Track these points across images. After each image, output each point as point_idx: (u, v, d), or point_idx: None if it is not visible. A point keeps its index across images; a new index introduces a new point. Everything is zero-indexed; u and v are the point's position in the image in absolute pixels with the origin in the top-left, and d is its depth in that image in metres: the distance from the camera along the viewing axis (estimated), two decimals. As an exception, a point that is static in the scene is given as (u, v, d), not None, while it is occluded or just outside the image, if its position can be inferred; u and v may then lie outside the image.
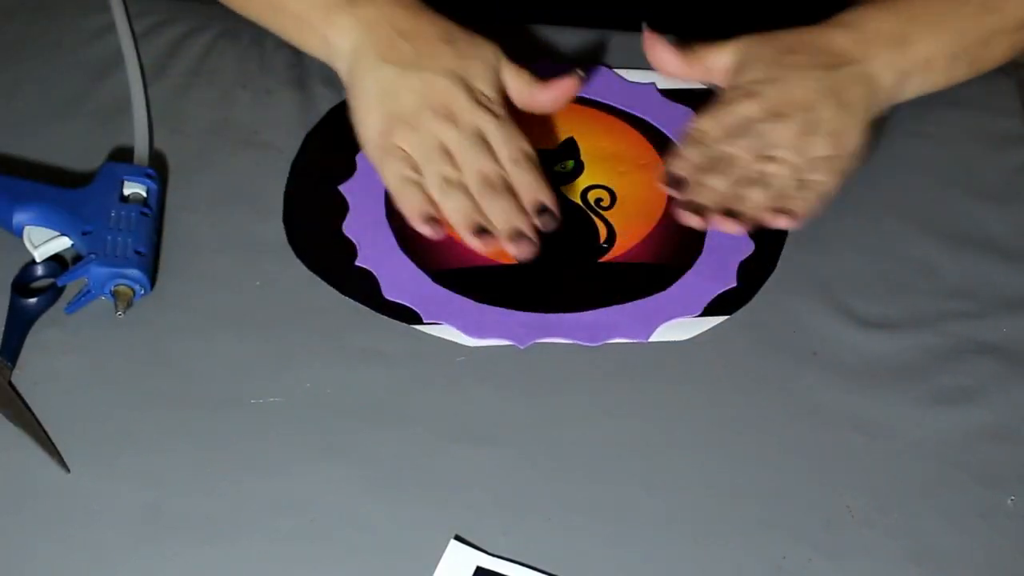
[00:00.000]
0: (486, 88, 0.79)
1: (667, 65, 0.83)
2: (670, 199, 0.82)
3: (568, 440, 0.71)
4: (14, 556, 0.66)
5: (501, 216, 0.76)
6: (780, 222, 0.78)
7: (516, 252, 0.76)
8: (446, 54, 0.79)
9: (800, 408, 0.73)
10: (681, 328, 0.76)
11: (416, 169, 0.77)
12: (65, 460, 0.69)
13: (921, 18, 0.82)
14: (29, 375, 0.72)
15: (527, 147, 0.79)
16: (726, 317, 0.76)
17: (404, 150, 0.77)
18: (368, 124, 0.78)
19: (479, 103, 0.78)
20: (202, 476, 0.69)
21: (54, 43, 0.89)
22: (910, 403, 0.73)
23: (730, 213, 0.78)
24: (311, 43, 0.83)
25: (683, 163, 0.79)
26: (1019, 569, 0.67)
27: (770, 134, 0.78)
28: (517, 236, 0.76)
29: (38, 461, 0.69)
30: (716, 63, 0.82)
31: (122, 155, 0.82)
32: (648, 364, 0.74)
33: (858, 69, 0.80)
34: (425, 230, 0.76)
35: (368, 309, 0.76)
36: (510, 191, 0.77)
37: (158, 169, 0.81)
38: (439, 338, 0.75)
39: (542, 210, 0.77)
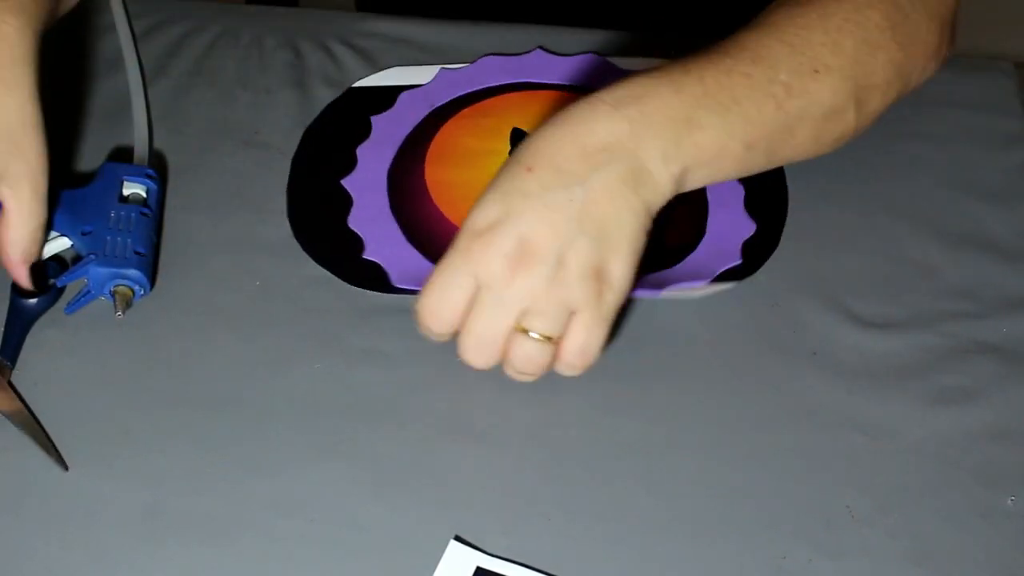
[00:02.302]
0: None
1: None
2: None
3: (568, 440, 0.71)
4: (14, 556, 0.66)
5: None
6: None
7: None
8: None
9: (800, 408, 0.73)
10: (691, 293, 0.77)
11: None
12: (65, 460, 0.69)
13: (712, 99, 0.68)
14: (29, 375, 0.72)
15: None
16: (736, 283, 0.77)
17: None
18: None
19: None
20: (202, 476, 0.69)
21: (54, 43, 0.89)
22: (910, 403, 0.73)
23: None
24: None
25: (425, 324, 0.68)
26: (1019, 569, 0.67)
27: (508, 299, 0.66)
28: None
29: (38, 461, 0.69)
30: None
31: (122, 155, 0.82)
32: (648, 364, 0.74)
33: (624, 165, 0.66)
34: None
35: (367, 308, 0.76)
36: None
37: (158, 169, 0.81)
38: None
39: None
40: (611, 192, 0.66)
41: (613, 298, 0.67)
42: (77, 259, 0.76)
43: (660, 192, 0.68)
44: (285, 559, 0.66)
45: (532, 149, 0.67)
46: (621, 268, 0.67)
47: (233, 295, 0.76)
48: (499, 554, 0.66)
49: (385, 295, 0.76)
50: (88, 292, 0.74)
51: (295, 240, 0.79)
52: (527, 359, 0.67)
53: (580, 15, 0.93)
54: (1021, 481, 0.70)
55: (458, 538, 0.67)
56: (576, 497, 0.69)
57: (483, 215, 0.66)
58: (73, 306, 0.74)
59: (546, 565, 0.66)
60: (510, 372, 0.69)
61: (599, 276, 0.66)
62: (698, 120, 0.68)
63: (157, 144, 0.83)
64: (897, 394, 0.73)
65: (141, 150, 0.82)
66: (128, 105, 0.84)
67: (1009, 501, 0.69)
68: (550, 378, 0.73)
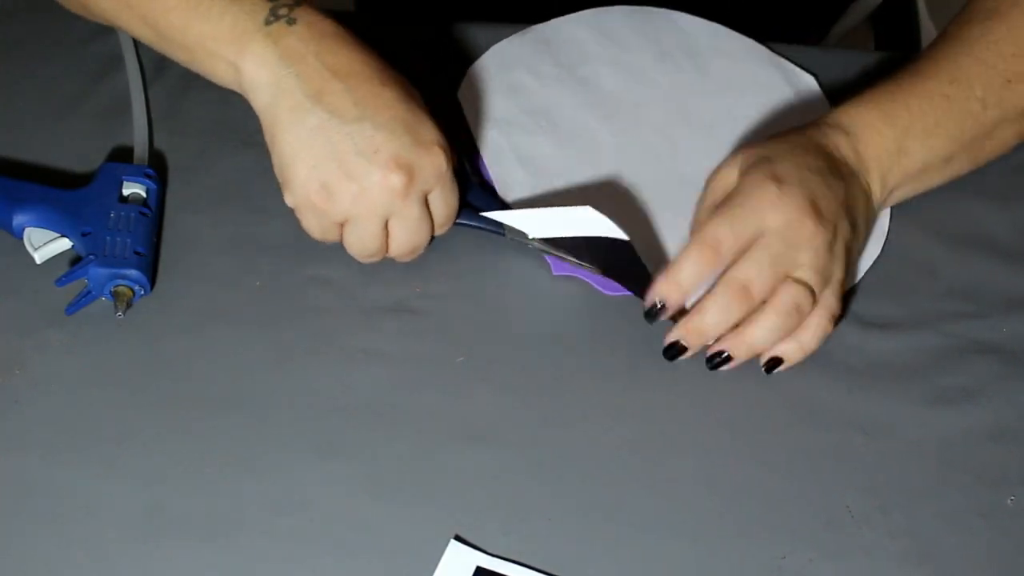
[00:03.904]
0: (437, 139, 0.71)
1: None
2: None
3: (568, 440, 0.71)
4: (14, 556, 0.66)
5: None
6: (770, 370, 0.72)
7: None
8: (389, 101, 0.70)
9: (800, 408, 0.73)
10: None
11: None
12: (65, 460, 0.69)
13: (918, 126, 0.75)
14: (29, 375, 0.72)
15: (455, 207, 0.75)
16: None
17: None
18: (296, 172, 0.71)
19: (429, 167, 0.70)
20: (202, 476, 0.69)
21: (54, 43, 0.89)
22: (910, 403, 0.73)
23: (715, 354, 0.71)
24: (218, 71, 0.74)
25: (671, 286, 0.71)
26: (1019, 569, 0.67)
27: (795, 246, 0.70)
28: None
29: (38, 461, 0.69)
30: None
31: (122, 155, 0.82)
32: (649, 365, 0.74)
33: (862, 181, 0.75)
34: None
35: (367, 308, 0.76)
36: None
37: (158, 169, 0.81)
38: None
39: None
40: (856, 199, 0.74)
41: (841, 291, 0.73)
42: (77, 260, 0.76)
43: (873, 211, 0.77)
44: (285, 559, 0.66)
45: (797, 139, 0.74)
46: (855, 261, 0.75)
47: (233, 295, 0.76)
48: (499, 554, 0.67)
49: (384, 295, 0.76)
50: (88, 292, 0.74)
51: (295, 240, 0.79)
52: (794, 305, 0.70)
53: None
54: (1021, 481, 0.70)
55: (458, 538, 0.67)
56: (576, 497, 0.69)
57: (777, 169, 0.71)
58: (73, 307, 0.74)
59: (546, 565, 0.66)
60: (761, 325, 0.70)
61: (851, 258, 0.73)
62: (906, 148, 0.75)
63: (157, 144, 0.83)
64: (897, 394, 0.73)
65: (141, 150, 0.82)
66: (128, 105, 0.84)
67: (1009, 501, 0.69)
68: (550, 378, 0.73)
